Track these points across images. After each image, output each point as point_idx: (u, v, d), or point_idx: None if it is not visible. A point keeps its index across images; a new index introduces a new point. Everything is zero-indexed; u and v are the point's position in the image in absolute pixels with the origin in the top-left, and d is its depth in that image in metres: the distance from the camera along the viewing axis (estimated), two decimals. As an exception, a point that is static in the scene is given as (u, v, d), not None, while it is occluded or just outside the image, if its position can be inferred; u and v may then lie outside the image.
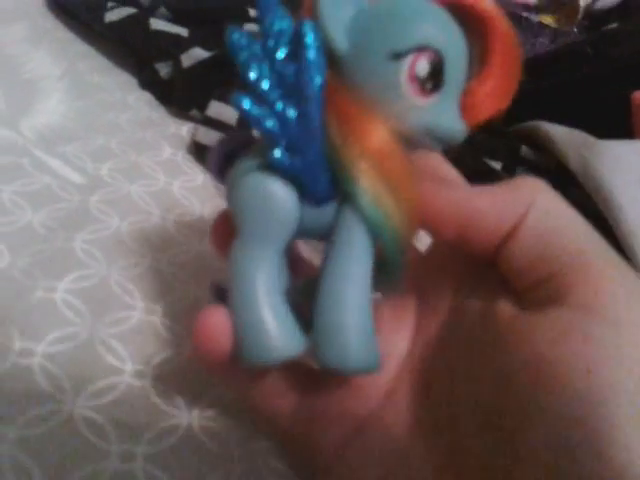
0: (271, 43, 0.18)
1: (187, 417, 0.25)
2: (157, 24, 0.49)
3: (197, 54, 0.46)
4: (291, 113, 0.18)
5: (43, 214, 0.33)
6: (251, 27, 0.49)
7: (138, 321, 0.29)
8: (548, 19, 0.57)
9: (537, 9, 0.57)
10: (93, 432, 0.23)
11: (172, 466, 0.23)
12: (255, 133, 0.20)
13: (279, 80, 0.18)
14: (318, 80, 0.18)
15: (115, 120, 0.45)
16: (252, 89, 0.18)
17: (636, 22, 0.51)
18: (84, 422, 0.24)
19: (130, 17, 0.51)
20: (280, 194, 0.19)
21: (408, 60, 0.18)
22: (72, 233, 0.32)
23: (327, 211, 0.19)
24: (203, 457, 0.24)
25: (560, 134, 0.43)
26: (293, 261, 0.22)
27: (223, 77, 0.44)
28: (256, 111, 0.18)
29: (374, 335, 0.20)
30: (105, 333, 0.28)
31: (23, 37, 0.53)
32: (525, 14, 0.57)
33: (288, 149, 0.18)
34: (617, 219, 0.38)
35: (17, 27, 0.54)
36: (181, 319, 0.30)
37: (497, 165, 0.46)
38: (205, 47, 0.46)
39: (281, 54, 0.18)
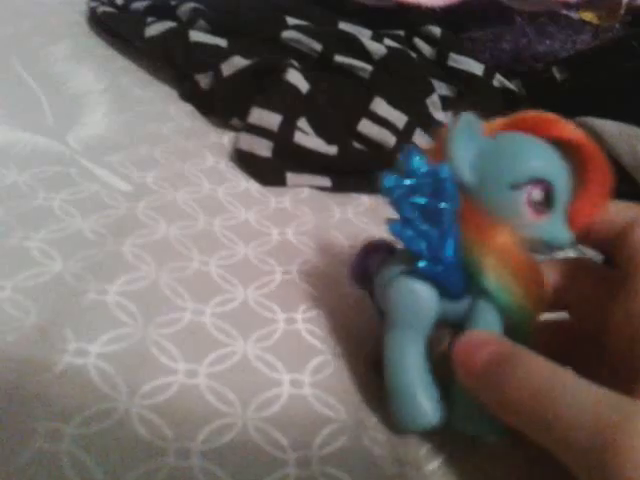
0: (415, 182, 0.23)
1: (242, 416, 0.25)
2: (196, 36, 0.50)
3: (237, 62, 0.46)
4: (434, 234, 0.23)
5: (92, 221, 0.33)
6: (289, 34, 0.49)
7: (189, 322, 0.29)
8: (589, 16, 0.56)
9: (577, 6, 0.57)
10: (149, 430, 0.23)
11: (229, 463, 0.23)
12: (395, 243, 0.26)
13: (424, 210, 0.23)
14: (451, 207, 0.23)
15: (158, 130, 0.45)
16: (403, 219, 0.23)
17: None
18: (140, 420, 0.23)
19: (169, 31, 0.51)
20: (424, 295, 0.24)
21: (525, 190, 0.23)
22: (121, 238, 0.32)
23: (463, 303, 0.24)
24: (259, 458, 0.24)
25: (609, 128, 0.42)
26: None
27: (263, 84, 0.45)
28: (408, 234, 0.23)
29: None
30: (157, 334, 0.27)
31: (67, 55, 0.54)
32: (565, 12, 0.56)
33: (430, 260, 0.23)
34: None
35: (61, 46, 0.55)
36: (231, 320, 0.29)
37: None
38: (244, 56, 0.46)
39: (425, 191, 0.23)
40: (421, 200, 0.23)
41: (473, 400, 0.23)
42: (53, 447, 0.21)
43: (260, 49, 0.48)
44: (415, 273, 0.24)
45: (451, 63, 0.53)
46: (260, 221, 0.38)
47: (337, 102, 0.45)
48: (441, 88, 0.51)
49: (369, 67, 0.48)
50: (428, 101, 0.49)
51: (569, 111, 0.48)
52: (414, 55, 0.52)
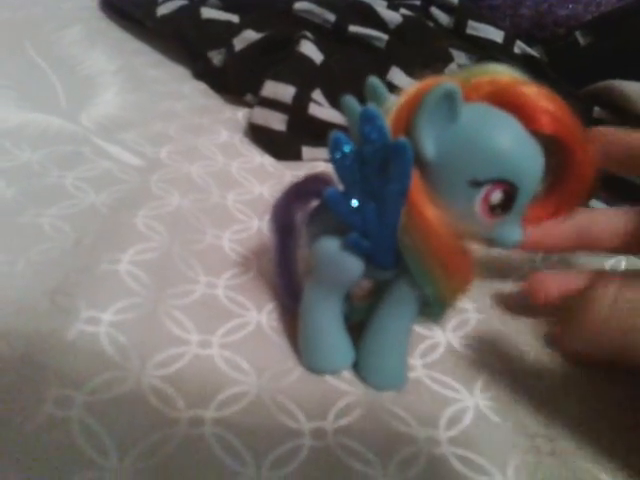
0: (367, 150, 0.20)
1: (256, 384, 0.24)
2: (208, 13, 0.49)
3: (249, 36, 0.45)
4: (371, 211, 0.21)
5: (105, 195, 0.33)
6: (302, 5, 0.48)
7: (201, 295, 0.28)
8: (613, -23, 0.54)
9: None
10: (160, 399, 0.23)
11: (243, 431, 0.22)
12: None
13: (366, 182, 0.21)
14: (398, 189, 0.20)
15: (171, 108, 0.44)
16: (344, 188, 0.21)
17: None
18: (151, 390, 0.23)
19: (181, 9, 0.51)
20: (348, 266, 0.23)
21: (485, 189, 0.20)
22: (134, 210, 0.32)
23: (389, 272, 0.23)
24: (273, 427, 0.23)
25: (636, 89, 0.41)
26: None
27: (276, 57, 0.44)
28: (344, 208, 0.21)
29: (406, 362, 0.26)
30: (169, 304, 0.27)
31: (79, 39, 0.54)
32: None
33: (363, 234, 0.22)
34: None
35: (73, 30, 0.55)
36: (243, 291, 0.29)
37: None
38: (257, 29, 0.46)
39: (373, 162, 0.20)
40: (369, 174, 0.21)
41: (382, 352, 0.25)
42: (63, 413, 0.21)
43: (272, 22, 0.47)
44: (345, 240, 0.22)
45: (470, 31, 0.51)
46: (275, 195, 0.37)
47: (352, 72, 0.44)
48: (460, 57, 0.49)
49: (385, 36, 0.46)
50: (447, 70, 0.47)
51: (593, 76, 0.46)
52: (431, 24, 0.51)
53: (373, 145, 0.20)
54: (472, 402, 0.25)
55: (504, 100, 0.21)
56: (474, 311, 0.30)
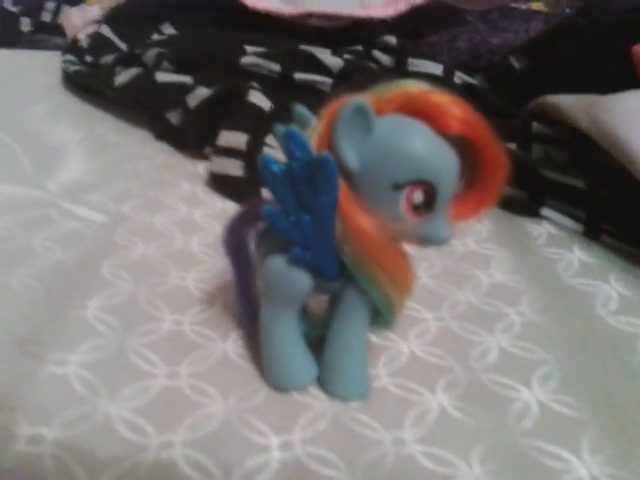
0: (294, 166, 0.22)
1: (223, 406, 0.25)
2: (162, 77, 0.52)
3: (201, 93, 0.48)
4: (307, 224, 0.23)
5: (72, 251, 0.35)
6: (248, 59, 0.51)
7: (167, 331, 0.29)
8: (538, 5, 0.58)
9: (525, -2, 0.58)
10: (129, 428, 0.24)
11: (211, 449, 0.23)
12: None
13: (299, 197, 0.22)
14: (328, 201, 0.22)
15: (134, 168, 0.47)
16: (280, 206, 0.23)
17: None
18: (120, 420, 0.24)
19: (137, 76, 0.54)
20: (296, 280, 0.24)
21: (406, 190, 0.22)
22: (100, 261, 0.34)
23: (337, 282, 0.25)
24: (241, 444, 0.24)
25: (566, 101, 0.43)
26: None
27: (228, 109, 0.46)
28: (282, 224, 0.23)
29: (367, 371, 0.27)
30: (136, 342, 0.28)
31: (45, 114, 0.56)
32: (514, 5, 0.58)
33: (305, 247, 0.23)
34: (638, 168, 0.37)
35: (39, 106, 0.58)
36: (209, 324, 0.30)
37: (512, 146, 0.46)
38: (208, 86, 0.48)
39: (302, 178, 0.22)
40: (300, 189, 0.22)
41: (342, 363, 0.26)
42: (36, 450, 0.22)
43: (222, 78, 0.50)
44: (289, 256, 0.24)
45: (410, 68, 0.54)
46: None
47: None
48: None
49: (329, 80, 0.49)
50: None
51: (530, 95, 0.49)
52: (374, 65, 0.54)
53: (299, 162, 0.22)
54: (435, 402, 0.26)
55: (414, 109, 0.23)
56: (433, 319, 0.32)
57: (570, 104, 0.43)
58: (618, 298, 0.34)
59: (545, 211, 0.43)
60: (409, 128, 0.22)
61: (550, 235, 0.41)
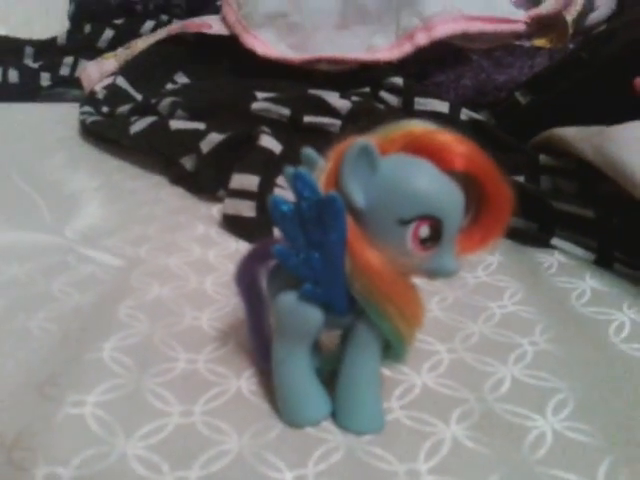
0: (303, 206, 0.23)
1: (237, 442, 0.25)
2: (176, 124, 0.54)
3: (214, 138, 0.49)
4: (317, 261, 0.23)
5: (89, 295, 0.35)
6: (258, 105, 0.52)
7: (182, 370, 0.30)
8: (542, 41, 0.59)
9: (528, 36, 0.60)
10: (146, 467, 0.24)
11: (224, 484, 0.23)
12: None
13: (308, 235, 0.23)
14: (337, 238, 0.23)
15: (150, 213, 0.48)
16: (290, 244, 0.24)
17: (621, 19, 0.52)
18: (137, 459, 0.24)
19: (152, 124, 0.55)
20: (307, 316, 0.25)
21: (412, 225, 0.23)
22: (116, 304, 0.34)
23: (348, 317, 0.25)
24: (256, 478, 0.24)
25: (572, 132, 0.44)
26: None
27: (240, 153, 0.48)
28: (293, 261, 0.24)
29: (381, 405, 0.27)
30: (152, 382, 0.29)
31: (62, 164, 0.58)
32: (517, 42, 0.59)
33: (315, 283, 0.24)
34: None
35: (57, 157, 0.60)
36: (223, 362, 0.30)
37: (520, 178, 0.47)
38: (220, 131, 0.50)
39: (311, 217, 0.23)
40: (309, 228, 0.23)
41: (355, 397, 0.26)
42: (52, 490, 0.22)
43: (234, 124, 0.51)
44: (300, 292, 0.24)
45: (417, 107, 0.55)
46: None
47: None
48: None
49: (338, 122, 0.50)
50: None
51: (536, 129, 0.50)
52: (381, 106, 0.55)
53: (307, 201, 0.23)
54: (449, 433, 0.26)
55: (418, 148, 0.23)
56: (446, 352, 0.32)
57: (576, 136, 0.43)
58: (631, 325, 0.34)
59: (555, 241, 0.43)
60: (412, 165, 0.23)
61: (561, 264, 0.41)
